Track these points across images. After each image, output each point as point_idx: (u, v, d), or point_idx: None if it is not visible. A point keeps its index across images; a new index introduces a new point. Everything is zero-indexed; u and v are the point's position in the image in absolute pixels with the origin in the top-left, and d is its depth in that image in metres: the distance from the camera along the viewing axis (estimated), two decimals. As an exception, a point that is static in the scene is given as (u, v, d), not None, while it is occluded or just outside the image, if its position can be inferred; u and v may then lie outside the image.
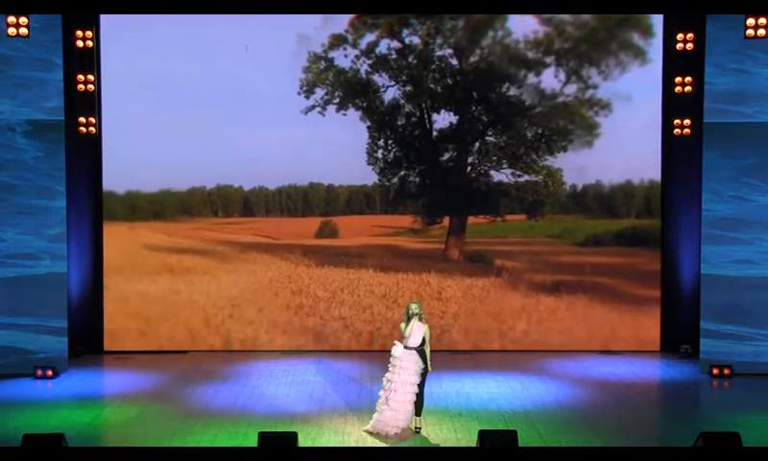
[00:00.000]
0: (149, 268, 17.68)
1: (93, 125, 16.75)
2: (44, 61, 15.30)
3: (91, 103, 16.74)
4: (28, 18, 14.99)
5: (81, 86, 16.50)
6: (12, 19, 14.99)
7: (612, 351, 17.19)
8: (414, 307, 12.08)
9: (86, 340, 16.85)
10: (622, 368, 16.00)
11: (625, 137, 17.39)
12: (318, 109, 17.62)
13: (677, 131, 16.90)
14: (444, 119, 17.78)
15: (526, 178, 17.87)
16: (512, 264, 17.87)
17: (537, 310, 17.60)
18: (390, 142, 17.87)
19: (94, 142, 16.90)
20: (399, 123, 17.82)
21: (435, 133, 17.79)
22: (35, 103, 15.35)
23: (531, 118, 17.78)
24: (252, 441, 10.50)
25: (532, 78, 17.64)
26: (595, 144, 17.57)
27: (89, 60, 16.60)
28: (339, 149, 17.55)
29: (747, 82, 15.48)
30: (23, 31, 15.03)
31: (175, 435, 12.04)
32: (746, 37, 15.33)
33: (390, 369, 12.15)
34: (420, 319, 12.08)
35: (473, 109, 17.83)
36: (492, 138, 17.85)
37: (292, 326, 17.59)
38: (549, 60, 17.62)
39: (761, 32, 15.26)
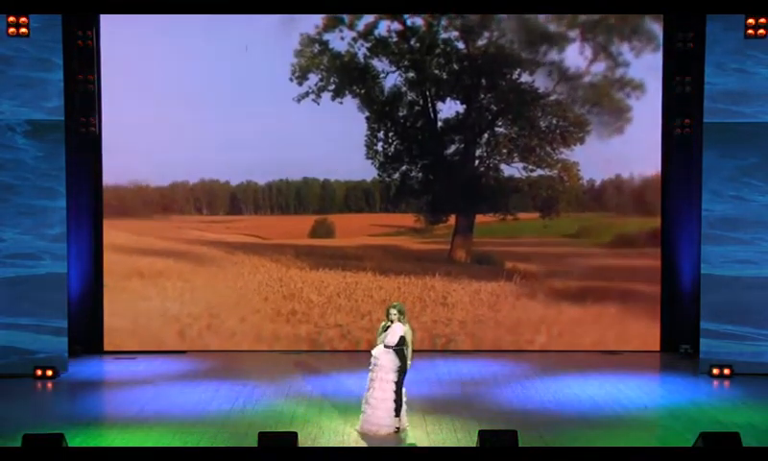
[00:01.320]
0: (115, 272, 16.90)
1: (93, 125, 16.75)
2: (44, 61, 15.27)
3: (91, 103, 16.74)
4: (28, 18, 14.98)
5: (81, 86, 16.49)
6: (12, 19, 14.98)
7: (611, 351, 17.18)
8: (393, 312, 12.12)
9: (86, 340, 16.85)
10: (622, 367, 15.98)
11: (629, 134, 16.98)
12: (312, 96, 16.75)
13: (677, 130, 16.90)
14: (449, 108, 16.88)
15: (539, 172, 17.05)
16: (524, 266, 17.12)
17: (558, 322, 16.98)
18: (390, 134, 16.97)
19: (94, 142, 16.89)
20: (401, 113, 16.91)
21: (440, 124, 16.94)
22: (35, 103, 15.32)
23: (545, 107, 16.88)
24: (252, 441, 10.50)
25: (553, 55, 16.67)
26: (626, 130, 16.74)
27: (89, 60, 16.60)
28: (335, 141, 16.67)
29: (747, 82, 15.47)
30: (23, 31, 15.03)
31: (175, 435, 12.03)
32: (746, 37, 15.33)
33: (371, 368, 12.22)
34: (401, 320, 12.12)
35: (482, 97, 16.91)
36: (501, 129, 16.98)
37: (282, 334, 16.88)
38: (573, 34, 16.67)
39: (761, 32, 15.27)
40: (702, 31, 15.86)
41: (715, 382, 15.24)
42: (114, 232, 17.06)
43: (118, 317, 16.96)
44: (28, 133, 15.35)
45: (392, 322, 12.09)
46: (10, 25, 14.99)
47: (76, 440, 11.62)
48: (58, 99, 15.41)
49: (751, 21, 15.24)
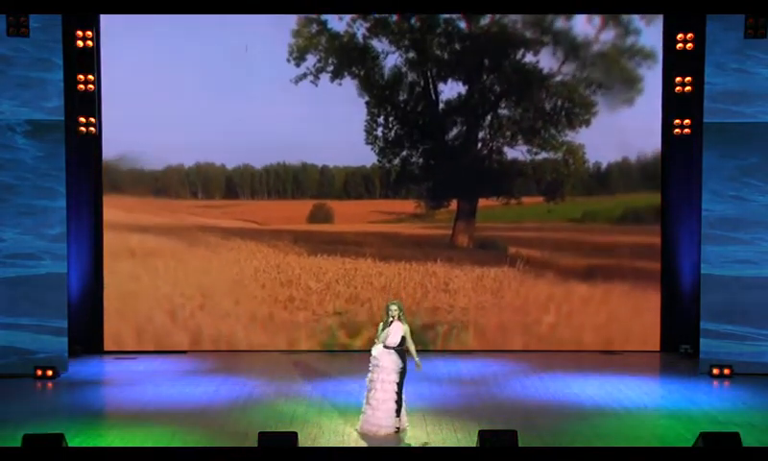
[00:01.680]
0: (111, 258, 16.74)
1: (93, 125, 16.75)
2: (44, 61, 15.27)
3: (91, 103, 16.74)
4: (28, 18, 14.98)
5: (81, 86, 16.50)
6: (11, 19, 14.98)
7: (611, 351, 17.18)
8: (393, 309, 12.11)
9: (86, 340, 16.86)
10: (622, 367, 15.99)
11: (637, 113, 16.68)
12: (310, 77, 16.38)
13: (677, 131, 16.90)
14: (451, 89, 16.47)
15: (544, 155, 16.70)
16: (527, 252, 16.80)
17: (562, 308, 16.72)
18: (391, 119, 16.55)
19: (94, 142, 16.89)
20: (401, 97, 16.49)
21: (441, 106, 16.54)
22: (35, 103, 15.33)
23: (550, 88, 16.48)
24: (252, 441, 10.50)
25: (560, 24, 16.19)
26: (635, 101, 16.31)
27: (89, 60, 16.60)
28: (334, 125, 16.29)
29: (747, 82, 15.47)
30: (23, 31, 15.03)
31: (175, 435, 12.03)
32: (746, 37, 15.33)
33: (371, 369, 12.21)
34: (400, 319, 12.11)
35: (484, 77, 16.51)
36: (505, 111, 16.61)
37: (279, 320, 16.65)
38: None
39: (761, 32, 15.27)
40: (702, 31, 15.87)
41: (715, 382, 15.24)
42: (113, 211, 16.83)
43: (114, 302, 16.89)
44: (28, 133, 15.35)
45: (392, 319, 12.07)
46: (10, 25, 14.99)
47: (76, 440, 11.61)
48: (58, 99, 15.41)
49: (751, 21, 15.25)
